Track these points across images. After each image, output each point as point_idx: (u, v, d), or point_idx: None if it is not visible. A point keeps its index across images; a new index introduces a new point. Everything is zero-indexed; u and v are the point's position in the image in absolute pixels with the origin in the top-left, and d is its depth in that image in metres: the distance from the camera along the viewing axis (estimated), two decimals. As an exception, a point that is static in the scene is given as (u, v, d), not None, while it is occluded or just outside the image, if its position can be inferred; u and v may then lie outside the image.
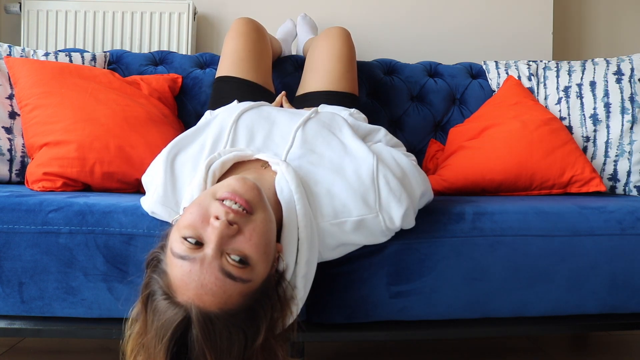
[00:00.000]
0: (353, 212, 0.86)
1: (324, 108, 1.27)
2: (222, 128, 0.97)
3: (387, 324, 1.02)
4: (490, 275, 0.99)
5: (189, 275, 0.66)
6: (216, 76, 1.46)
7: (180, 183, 0.91)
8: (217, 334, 0.66)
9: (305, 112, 1.04)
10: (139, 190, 1.24)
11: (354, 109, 1.26)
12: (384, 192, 0.88)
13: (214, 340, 0.65)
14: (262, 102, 1.11)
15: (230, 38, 1.46)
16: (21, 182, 1.34)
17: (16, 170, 1.34)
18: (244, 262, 0.68)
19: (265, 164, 0.91)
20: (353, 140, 0.96)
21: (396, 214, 0.88)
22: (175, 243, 0.69)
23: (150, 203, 0.92)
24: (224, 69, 1.43)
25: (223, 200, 0.70)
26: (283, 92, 1.35)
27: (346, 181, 0.88)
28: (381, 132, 1.11)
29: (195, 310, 0.65)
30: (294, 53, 2.03)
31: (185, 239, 0.68)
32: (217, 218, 0.68)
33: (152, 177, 0.94)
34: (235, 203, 0.70)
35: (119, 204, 0.97)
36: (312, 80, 1.42)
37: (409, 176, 0.93)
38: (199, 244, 0.68)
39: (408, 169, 0.94)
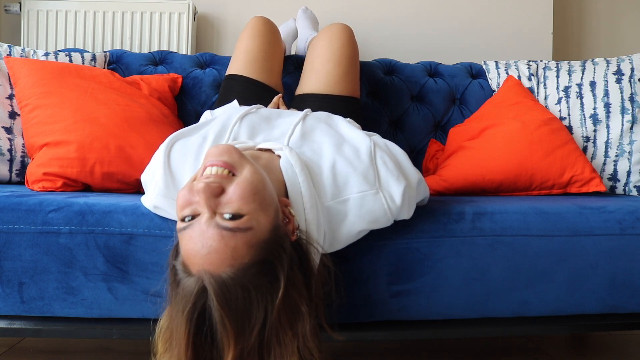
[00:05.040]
0: (354, 188, 0.87)
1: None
2: (225, 125, 0.99)
3: (387, 324, 1.01)
4: (490, 275, 0.99)
5: (193, 242, 0.68)
6: (227, 73, 1.45)
7: (180, 175, 0.91)
8: (232, 295, 0.66)
9: (302, 112, 1.06)
10: (139, 190, 1.24)
11: (348, 119, 1.26)
12: (382, 171, 0.90)
13: (229, 302, 0.66)
14: (258, 105, 1.13)
15: (246, 37, 1.46)
16: (21, 182, 1.34)
17: (16, 170, 1.34)
18: (237, 214, 0.69)
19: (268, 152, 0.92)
20: (350, 130, 0.99)
21: (396, 191, 0.89)
22: (178, 224, 0.72)
23: (152, 197, 0.92)
24: (236, 68, 1.43)
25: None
26: (279, 95, 1.35)
27: (346, 160, 0.90)
28: (375, 137, 1.11)
29: (207, 275, 0.66)
30: (293, 53, 2.03)
31: (184, 218, 0.71)
32: (200, 184, 0.70)
33: (152, 174, 0.94)
34: (215, 167, 0.72)
35: (119, 203, 0.97)
36: (310, 82, 1.41)
37: (403, 164, 0.95)
38: (196, 217, 0.70)
39: (401, 157, 0.96)
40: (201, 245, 0.67)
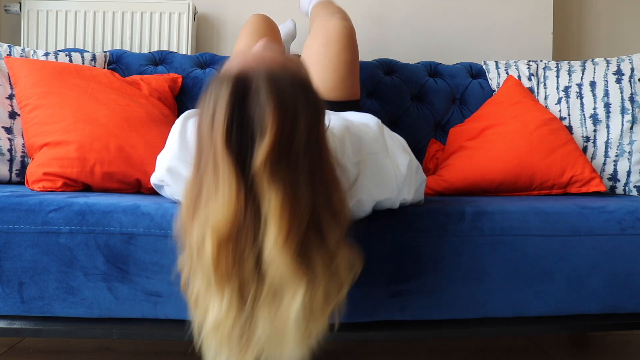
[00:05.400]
0: (366, 149, 0.89)
1: None
2: None
3: (388, 324, 1.02)
4: (490, 275, 0.99)
5: (251, 52, 0.73)
6: None
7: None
8: (280, 83, 0.66)
9: None
10: (139, 190, 1.24)
11: None
12: (389, 143, 0.94)
13: (278, 85, 0.65)
14: None
15: (245, 34, 1.44)
16: (21, 182, 1.34)
17: (16, 170, 1.34)
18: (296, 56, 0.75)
19: None
20: (355, 114, 1.02)
21: (402, 161, 0.92)
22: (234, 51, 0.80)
23: (167, 159, 0.92)
24: None
25: None
26: None
27: (358, 127, 0.93)
28: None
29: (258, 67, 0.67)
30: (294, 52, 2.03)
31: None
32: None
33: (167, 145, 0.96)
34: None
35: (119, 203, 0.97)
36: None
37: (404, 146, 1.00)
38: None
39: (403, 143, 1.00)
40: (258, 53, 0.71)
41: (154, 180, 1.00)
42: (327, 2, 1.56)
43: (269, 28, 1.46)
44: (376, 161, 0.89)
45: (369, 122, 0.96)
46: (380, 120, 0.97)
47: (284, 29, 1.96)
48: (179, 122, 0.96)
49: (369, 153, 0.89)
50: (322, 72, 1.32)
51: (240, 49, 1.43)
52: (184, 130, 0.93)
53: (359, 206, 0.91)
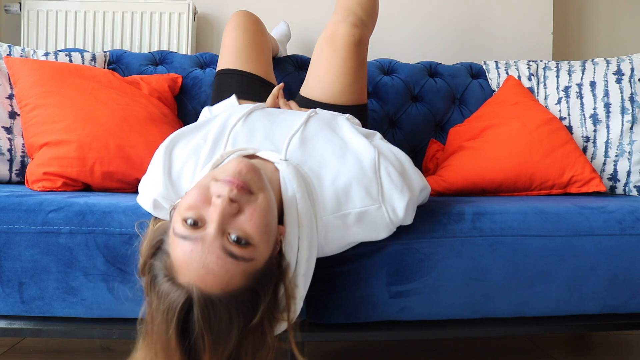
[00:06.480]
0: (357, 203, 0.87)
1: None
2: (224, 126, 0.97)
3: (387, 324, 1.02)
4: (490, 275, 0.99)
5: (191, 255, 0.67)
6: (217, 70, 1.45)
7: (179, 180, 0.90)
8: (217, 316, 0.66)
9: (306, 113, 1.04)
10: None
11: (348, 114, 1.24)
12: (386, 184, 0.89)
13: (213, 322, 0.66)
14: (262, 104, 1.12)
15: (228, 30, 1.45)
16: (21, 182, 1.34)
17: (16, 170, 1.34)
18: (245, 241, 0.68)
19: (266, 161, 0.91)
20: (354, 136, 0.97)
21: (399, 205, 0.88)
22: (177, 224, 0.69)
23: (153, 195, 0.91)
24: (224, 62, 1.42)
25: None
26: (281, 85, 1.28)
27: (349, 173, 0.89)
28: (377, 137, 1.10)
29: (197, 291, 0.66)
30: (289, 53, 2.03)
31: (185, 220, 0.68)
32: (218, 197, 0.69)
33: (151, 175, 0.93)
34: (235, 188, 0.70)
35: (119, 203, 0.97)
36: (314, 89, 1.37)
37: (408, 171, 0.95)
38: (200, 225, 0.68)
39: (407, 164, 0.96)
40: (200, 264, 0.66)
41: (139, 202, 0.97)
42: None
43: (250, 21, 1.45)
44: (367, 213, 0.87)
45: (364, 158, 0.91)
46: (377, 156, 0.91)
47: (278, 30, 1.97)
48: (162, 151, 0.93)
49: (361, 206, 0.87)
50: (330, 75, 1.34)
51: (227, 45, 1.42)
52: (168, 163, 0.91)
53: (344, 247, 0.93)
